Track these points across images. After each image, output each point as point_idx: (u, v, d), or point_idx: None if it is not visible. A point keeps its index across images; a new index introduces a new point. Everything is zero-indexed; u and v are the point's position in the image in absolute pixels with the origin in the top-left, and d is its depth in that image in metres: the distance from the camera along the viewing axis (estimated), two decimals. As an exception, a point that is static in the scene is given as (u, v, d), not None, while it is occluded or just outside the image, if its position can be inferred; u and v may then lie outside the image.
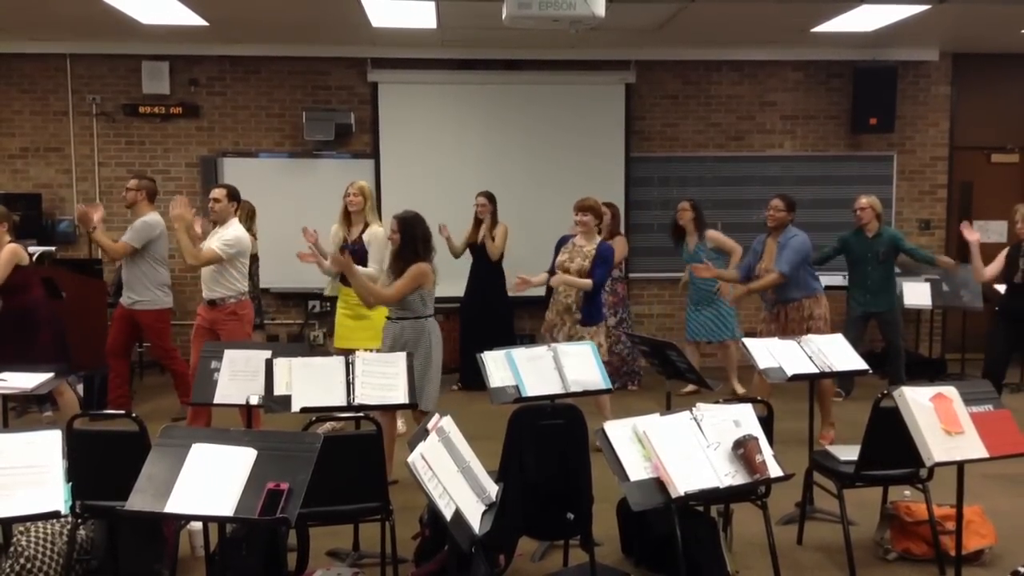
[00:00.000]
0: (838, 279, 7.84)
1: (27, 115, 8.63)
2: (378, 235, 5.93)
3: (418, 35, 7.81)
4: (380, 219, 6.02)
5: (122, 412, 4.11)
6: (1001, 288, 6.47)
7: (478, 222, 7.64)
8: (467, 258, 7.77)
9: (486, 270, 7.65)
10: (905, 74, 8.90)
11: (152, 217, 6.57)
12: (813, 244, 6.18)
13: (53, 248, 8.21)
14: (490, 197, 7.62)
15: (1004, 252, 6.16)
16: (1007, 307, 6.17)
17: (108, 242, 6.46)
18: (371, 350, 4.66)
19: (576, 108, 8.74)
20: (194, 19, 7.27)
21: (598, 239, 6.02)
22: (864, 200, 7.02)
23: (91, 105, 8.59)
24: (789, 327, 5.88)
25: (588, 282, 5.83)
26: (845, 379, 7.28)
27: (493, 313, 7.73)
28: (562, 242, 6.18)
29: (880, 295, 7.03)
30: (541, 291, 6.42)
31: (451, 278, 7.78)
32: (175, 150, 8.72)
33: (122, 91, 8.63)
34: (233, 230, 5.93)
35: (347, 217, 6.14)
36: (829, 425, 6.07)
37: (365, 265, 5.83)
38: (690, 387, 6.51)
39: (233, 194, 5.98)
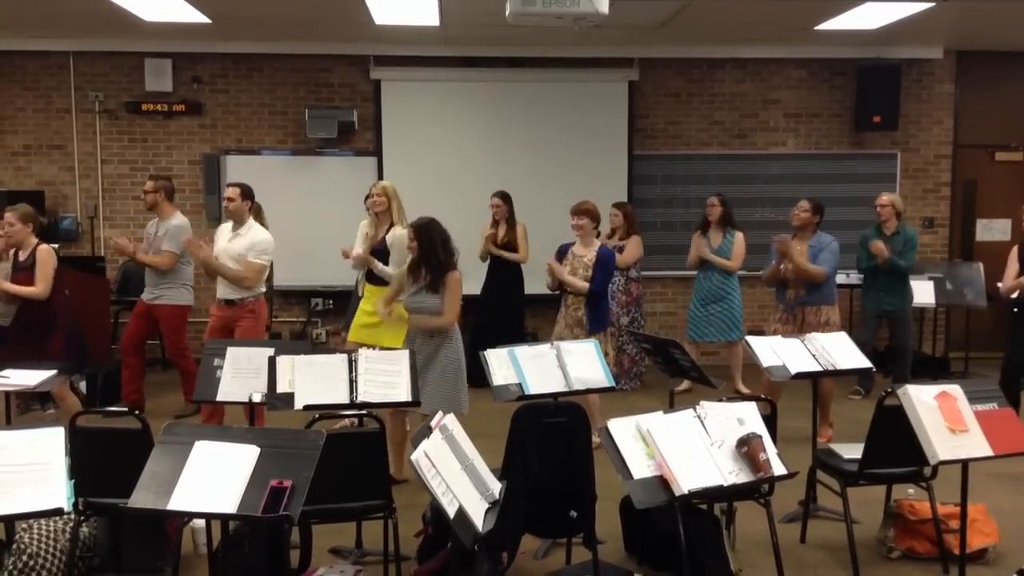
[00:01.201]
0: (841, 277, 7.82)
1: (30, 112, 8.63)
2: (400, 237, 5.77)
3: (421, 32, 7.80)
4: (405, 220, 5.95)
5: (125, 410, 4.11)
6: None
7: (495, 222, 7.62)
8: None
9: (503, 269, 7.63)
10: (909, 72, 8.88)
11: (180, 219, 6.61)
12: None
13: (56, 245, 8.16)
14: (504, 197, 7.59)
15: (1014, 252, 6.06)
16: None
17: (155, 260, 6.48)
18: (373, 347, 4.66)
19: (579, 106, 8.73)
20: (197, 16, 7.27)
21: (597, 244, 5.96)
22: (886, 197, 7.02)
23: (94, 102, 8.59)
24: (805, 331, 5.85)
25: (584, 284, 5.79)
26: (865, 377, 7.27)
27: (508, 312, 7.70)
28: (562, 251, 6.04)
29: (895, 294, 7.00)
30: (531, 288, 6.34)
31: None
32: (178, 148, 8.72)
33: (125, 88, 8.63)
34: (259, 233, 5.95)
35: (374, 217, 6.06)
36: (828, 424, 6.05)
37: (387, 263, 5.81)
38: (684, 384, 6.47)
39: (247, 192, 5.97)
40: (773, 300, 6.41)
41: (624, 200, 8.29)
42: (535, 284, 7.48)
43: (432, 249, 4.90)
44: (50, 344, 5.82)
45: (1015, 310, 6.07)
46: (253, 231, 5.93)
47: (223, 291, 5.95)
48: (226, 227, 6.09)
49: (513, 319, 7.79)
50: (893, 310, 7.06)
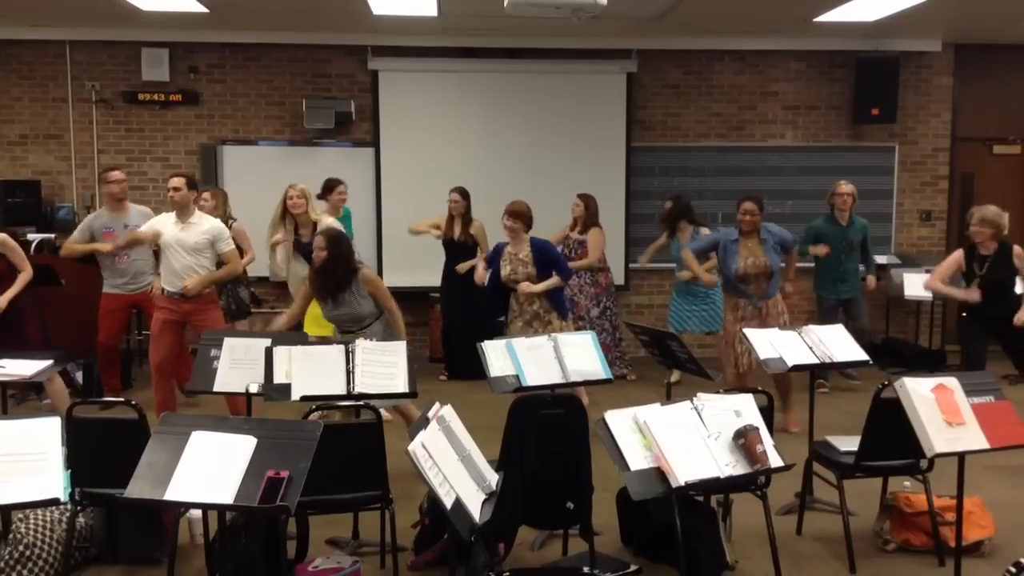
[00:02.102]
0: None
1: (26, 102, 8.60)
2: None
3: (419, 23, 7.77)
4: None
5: (121, 400, 4.10)
6: None
7: (451, 217, 7.59)
8: (441, 251, 7.73)
9: (462, 260, 7.62)
10: (907, 64, 8.88)
11: (144, 208, 6.73)
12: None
13: (52, 235, 8.20)
14: (464, 193, 7.54)
15: (957, 256, 5.96)
16: (980, 314, 5.89)
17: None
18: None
19: (577, 97, 8.71)
20: (194, 5, 7.24)
21: (527, 239, 6.10)
22: (847, 186, 6.99)
23: (90, 92, 8.56)
24: (769, 323, 5.84)
25: (557, 279, 5.98)
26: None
27: (475, 306, 7.65)
28: (498, 250, 6.21)
29: (851, 282, 7.12)
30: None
31: (430, 268, 7.78)
32: (174, 137, 8.70)
33: (121, 78, 8.60)
34: (213, 221, 6.02)
35: (286, 218, 6.21)
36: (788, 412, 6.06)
37: None
38: (675, 376, 6.46)
39: (192, 183, 6.01)
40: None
41: (619, 192, 8.30)
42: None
43: (339, 259, 5.02)
44: (23, 334, 5.90)
45: (963, 315, 6.05)
46: (205, 221, 5.96)
47: (177, 284, 5.82)
48: (166, 218, 5.98)
49: (483, 312, 7.73)
50: (851, 297, 7.21)
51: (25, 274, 5.99)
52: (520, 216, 6.05)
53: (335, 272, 5.02)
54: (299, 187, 6.21)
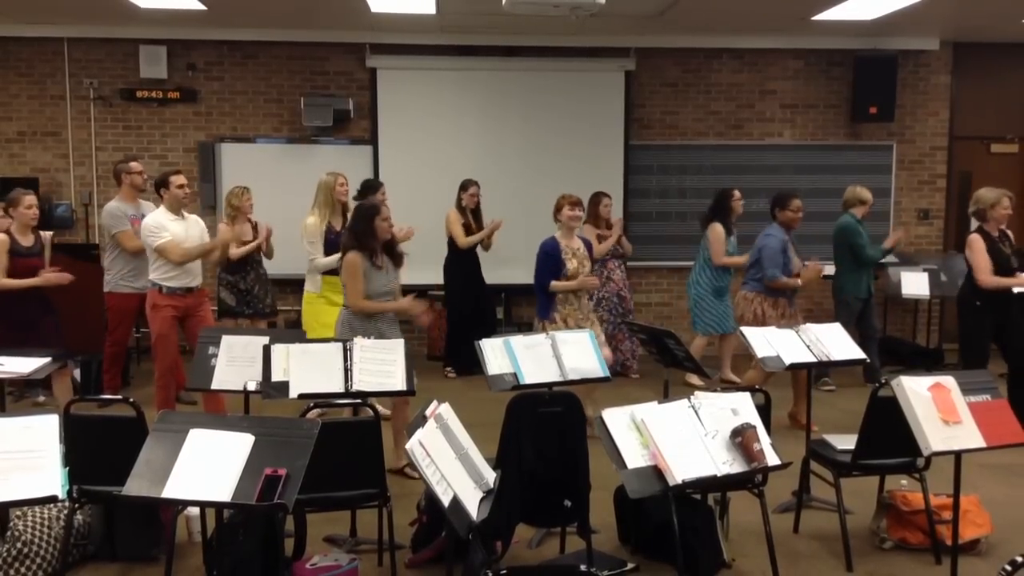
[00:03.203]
0: (829, 268, 7.91)
1: (24, 99, 8.59)
2: None
3: (417, 20, 7.77)
4: None
5: (119, 397, 4.11)
6: None
7: (465, 210, 7.60)
8: (441, 247, 7.73)
9: (475, 258, 7.71)
10: (905, 63, 8.88)
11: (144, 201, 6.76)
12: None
13: (50, 233, 8.16)
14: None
15: (982, 243, 5.83)
16: (994, 304, 5.88)
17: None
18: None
19: (576, 95, 8.71)
20: (192, 3, 7.23)
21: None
22: None
23: (88, 89, 8.55)
24: (797, 316, 6.05)
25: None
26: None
27: (485, 301, 7.83)
28: (554, 249, 5.61)
29: (870, 280, 7.11)
30: (527, 278, 6.17)
31: (428, 266, 7.77)
32: (173, 135, 8.69)
33: (119, 75, 8.59)
34: (194, 215, 6.08)
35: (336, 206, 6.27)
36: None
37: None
38: (696, 380, 6.47)
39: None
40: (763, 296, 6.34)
41: (617, 190, 8.33)
42: (507, 272, 7.75)
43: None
44: (47, 326, 5.90)
45: (978, 303, 5.91)
46: (191, 215, 6.01)
47: (189, 278, 5.81)
48: (164, 216, 5.79)
49: (489, 307, 7.98)
50: (871, 296, 7.14)
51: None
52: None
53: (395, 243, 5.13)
54: (343, 175, 6.32)
